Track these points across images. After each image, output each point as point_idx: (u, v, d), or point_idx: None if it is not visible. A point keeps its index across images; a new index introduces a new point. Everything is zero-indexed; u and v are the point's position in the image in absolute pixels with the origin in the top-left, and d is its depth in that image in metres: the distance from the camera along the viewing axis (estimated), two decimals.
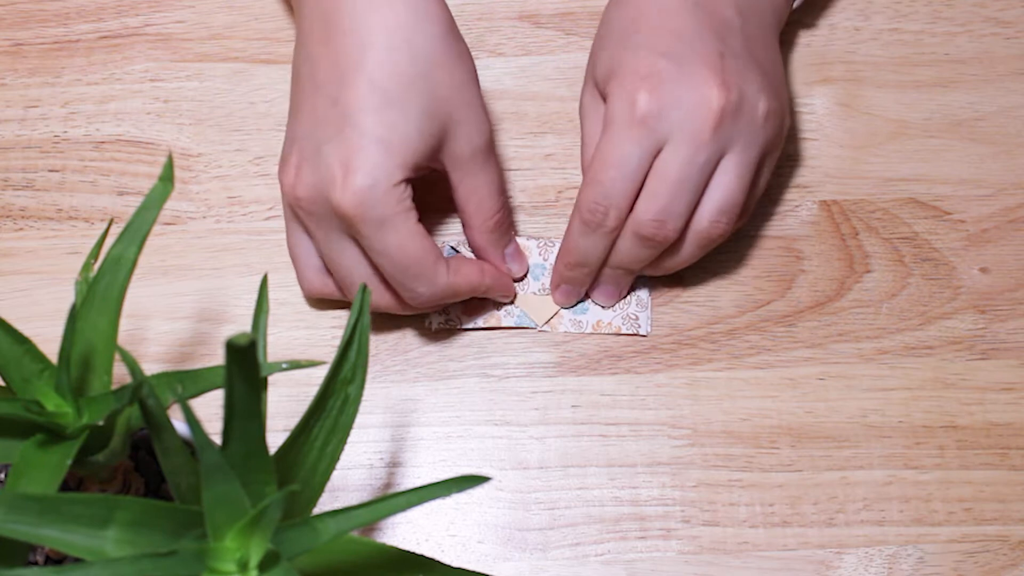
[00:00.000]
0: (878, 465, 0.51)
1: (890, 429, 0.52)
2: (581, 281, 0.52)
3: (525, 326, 0.53)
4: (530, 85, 0.58)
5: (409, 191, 0.46)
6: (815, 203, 0.56)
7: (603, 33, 0.52)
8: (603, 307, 0.53)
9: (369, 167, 0.45)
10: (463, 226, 0.52)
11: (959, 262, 0.55)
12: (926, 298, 0.54)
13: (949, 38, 0.59)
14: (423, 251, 0.47)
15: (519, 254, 0.53)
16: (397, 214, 0.46)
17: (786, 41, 0.59)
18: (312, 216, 0.47)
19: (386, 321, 0.53)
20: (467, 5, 0.60)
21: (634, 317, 0.53)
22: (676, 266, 0.51)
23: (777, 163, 0.56)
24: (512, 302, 0.53)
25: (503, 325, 0.53)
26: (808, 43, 0.59)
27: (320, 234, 0.48)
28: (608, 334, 0.53)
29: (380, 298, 0.50)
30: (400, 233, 0.46)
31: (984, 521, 0.50)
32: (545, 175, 0.56)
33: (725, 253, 0.55)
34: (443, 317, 0.53)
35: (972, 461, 0.51)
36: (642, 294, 0.53)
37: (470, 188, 0.49)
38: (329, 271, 0.50)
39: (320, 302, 0.54)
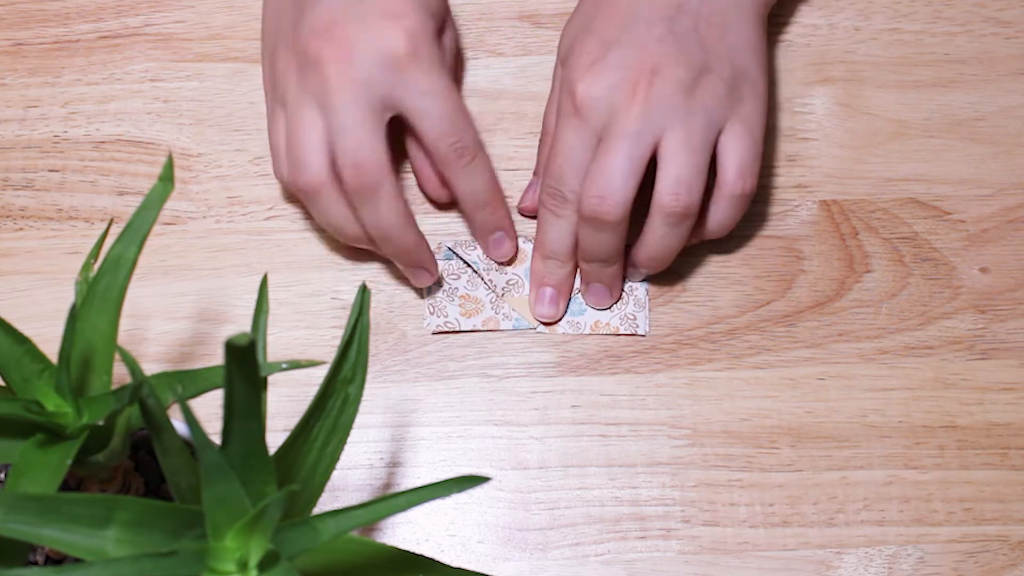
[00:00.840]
0: (878, 465, 0.51)
1: (890, 429, 0.52)
2: (557, 278, 0.53)
3: (523, 328, 0.53)
4: (530, 85, 0.58)
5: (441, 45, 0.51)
6: (815, 203, 0.56)
7: (572, 16, 0.54)
8: (598, 309, 0.53)
9: (412, 12, 0.49)
10: (428, 152, 0.52)
11: (959, 262, 0.55)
12: (926, 298, 0.54)
13: (949, 38, 0.59)
14: (462, 102, 0.51)
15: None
16: (440, 61, 0.50)
17: (786, 41, 0.59)
18: (353, 68, 0.48)
19: (386, 321, 0.53)
20: (467, 5, 0.60)
21: (632, 317, 0.53)
22: (658, 254, 0.51)
23: (776, 162, 0.56)
24: (501, 296, 0.53)
25: (501, 327, 0.53)
26: (808, 43, 0.59)
27: (352, 84, 0.48)
28: (606, 335, 0.53)
29: (385, 156, 0.49)
30: (447, 78, 0.50)
31: (984, 521, 0.50)
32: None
33: (725, 253, 0.55)
34: (441, 320, 0.53)
35: (972, 461, 0.51)
36: (639, 294, 0.54)
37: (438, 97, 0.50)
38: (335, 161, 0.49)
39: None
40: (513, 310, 0.53)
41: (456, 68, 0.55)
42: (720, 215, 0.51)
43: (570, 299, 0.54)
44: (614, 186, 0.48)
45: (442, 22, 0.52)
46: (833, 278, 0.54)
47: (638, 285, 0.54)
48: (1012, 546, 0.50)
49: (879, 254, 0.55)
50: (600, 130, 0.49)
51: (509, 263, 0.54)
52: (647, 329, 0.53)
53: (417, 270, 0.52)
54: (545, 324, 0.53)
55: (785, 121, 0.58)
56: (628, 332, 0.53)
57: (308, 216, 0.55)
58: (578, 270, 0.54)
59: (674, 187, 0.48)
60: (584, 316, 0.53)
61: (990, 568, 0.49)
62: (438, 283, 0.54)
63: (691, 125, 0.49)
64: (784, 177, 0.56)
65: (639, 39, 0.50)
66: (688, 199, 0.49)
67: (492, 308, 0.53)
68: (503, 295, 0.54)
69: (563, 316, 0.53)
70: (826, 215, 0.56)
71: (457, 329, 0.53)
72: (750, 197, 0.51)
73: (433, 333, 0.53)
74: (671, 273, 0.54)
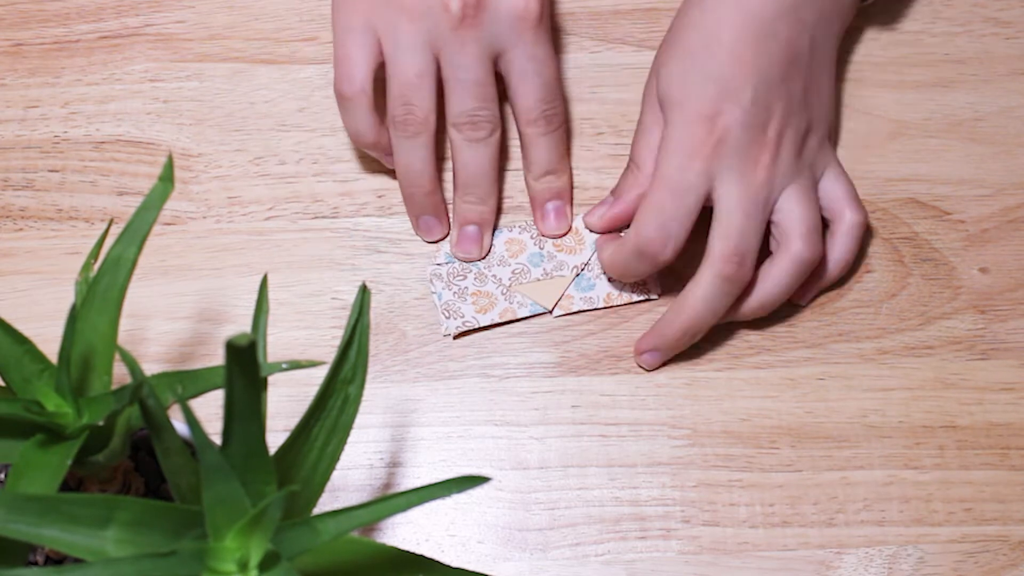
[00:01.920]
0: (878, 465, 0.51)
1: (890, 429, 0.52)
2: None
3: (539, 313, 0.53)
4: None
5: None
6: None
7: (673, 43, 0.53)
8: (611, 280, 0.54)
9: None
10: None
11: (959, 262, 0.55)
12: (926, 298, 0.54)
13: (949, 38, 0.59)
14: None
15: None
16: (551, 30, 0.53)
17: None
18: (479, 38, 0.51)
19: (386, 321, 0.53)
20: None
21: (642, 283, 0.53)
22: (773, 302, 0.52)
23: None
24: (510, 288, 0.54)
25: (519, 316, 0.53)
26: None
27: (476, 51, 0.51)
28: (621, 305, 0.53)
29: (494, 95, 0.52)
30: (554, 47, 0.53)
31: (984, 521, 0.50)
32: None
33: None
34: (458, 321, 0.53)
35: (972, 461, 0.51)
36: None
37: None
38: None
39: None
40: (526, 297, 0.53)
41: None
42: (841, 249, 0.53)
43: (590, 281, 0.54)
44: (752, 245, 0.50)
45: None
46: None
47: None
48: (1012, 546, 0.50)
49: (879, 254, 0.55)
50: (718, 181, 0.50)
51: (512, 255, 0.54)
52: (659, 292, 0.54)
53: (429, 219, 0.54)
54: (559, 304, 0.53)
55: None
56: (641, 298, 0.53)
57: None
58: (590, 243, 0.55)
59: (803, 238, 0.50)
60: (595, 291, 0.54)
61: (990, 568, 0.49)
62: (447, 287, 0.54)
63: (802, 182, 0.51)
64: None
65: (765, 98, 0.50)
66: (815, 248, 0.51)
67: (505, 299, 0.53)
68: (511, 286, 0.54)
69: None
70: None
71: (476, 326, 0.53)
72: (865, 225, 0.53)
73: (455, 337, 0.53)
74: (671, 273, 0.54)
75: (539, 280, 0.54)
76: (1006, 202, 0.56)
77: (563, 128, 0.54)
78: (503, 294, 0.53)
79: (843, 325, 0.53)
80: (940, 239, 0.55)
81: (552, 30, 0.55)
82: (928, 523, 0.50)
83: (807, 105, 0.52)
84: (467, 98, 0.52)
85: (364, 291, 0.36)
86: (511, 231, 0.55)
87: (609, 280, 0.54)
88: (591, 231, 0.55)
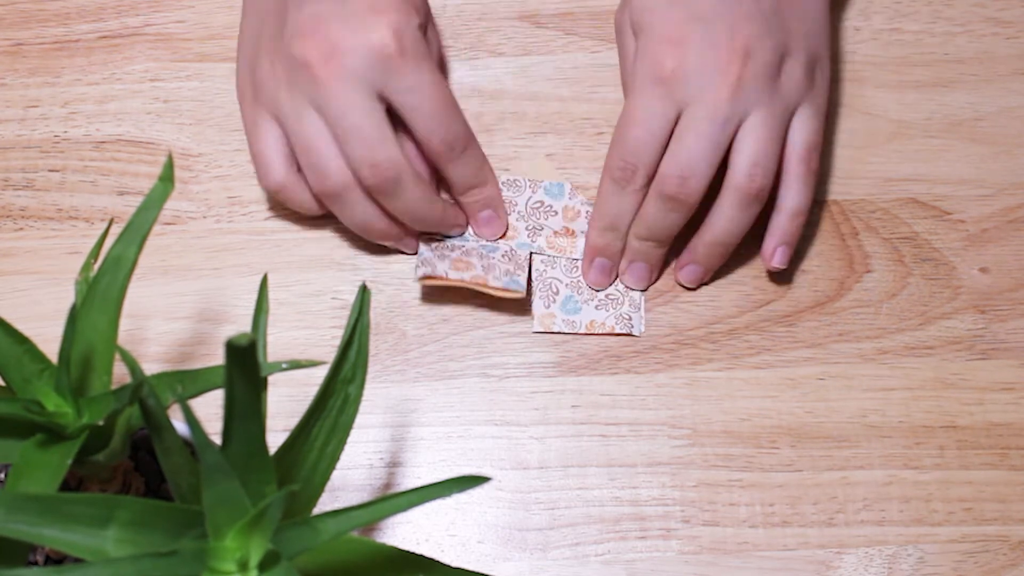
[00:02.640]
0: (878, 465, 0.51)
1: (890, 429, 0.52)
2: (612, 250, 0.53)
3: (512, 290, 0.51)
4: (530, 85, 0.58)
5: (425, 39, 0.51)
6: (815, 203, 0.56)
7: None
8: (599, 294, 0.54)
9: (396, 7, 0.49)
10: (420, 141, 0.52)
11: (959, 262, 0.55)
12: (926, 298, 0.54)
13: (949, 38, 0.59)
14: (451, 94, 0.51)
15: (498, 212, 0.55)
16: (429, 54, 0.50)
17: None
18: (343, 69, 0.48)
19: (386, 321, 0.53)
20: (467, 5, 0.60)
21: (627, 317, 0.53)
22: (724, 237, 0.51)
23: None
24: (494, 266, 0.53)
25: (490, 286, 0.51)
26: None
27: (347, 86, 0.48)
28: (602, 334, 0.53)
29: (396, 151, 0.50)
30: (435, 71, 0.50)
31: (984, 521, 0.50)
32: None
33: None
34: (428, 268, 0.52)
35: (972, 461, 0.51)
36: (635, 295, 0.54)
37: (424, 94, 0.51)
38: (298, 162, 0.51)
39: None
40: (505, 274, 0.52)
41: (440, 65, 0.55)
42: (791, 193, 0.52)
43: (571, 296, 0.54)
44: (699, 169, 0.49)
45: (426, 17, 0.53)
46: (833, 278, 0.54)
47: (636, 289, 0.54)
48: (1012, 546, 0.50)
49: (879, 254, 0.55)
50: (683, 104, 0.50)
51: (505, 240, 0.54)
52: (642, 330, 0.53)
53: (453, 228, 0.54)
54: (538, 329, 0.53)
55: None
56: (623, 332, 0.53)
57: (308, 217, 0.55)
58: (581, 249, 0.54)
59: (750, 169, 0.50)
60: (579, 315, 0.53)
61: (990, 568, 0.49)
62: (432, 249, 0.53)
63: (773, 110, 0.50)
64: None
65: (730, 16, 0.50)
66: (763, 181, 0.50)
67: (484, 271, 0.52)
68: (493, 261, 0.53)
69: (611, 284, 0.54)
70: (826, 215, 0.56)
71: (444, 278, 0.52)
72: (817, 174, 0.52)
73: (419, 279, 0.51)
74: (671, 273, 0.54)
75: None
76: (1006, 202, 0.56)
77: (469, 148, 0.52)
78: (483, 267, 0.53)
79: (843, 325, 0.53)
80: (940, 239, 0.55)
81: (439, 47, 0.54)
82: (928, 523, 0.50)
83: (783, 26, 0.51)
84: (357, 147, 0.49)
85: (364, 291, 0.36)
86: (508, 214, 0.55)
87: (595, 307, 0.53)
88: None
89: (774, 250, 0.52)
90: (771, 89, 0.50)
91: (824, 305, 0.54)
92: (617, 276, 0.54)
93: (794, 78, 0.51)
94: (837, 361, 0.53)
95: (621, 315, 0.53)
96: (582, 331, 0.53)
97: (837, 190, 0.56)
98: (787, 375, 0.53)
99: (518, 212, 0.55)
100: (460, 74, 0.58)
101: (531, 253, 0.54)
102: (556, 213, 0.55)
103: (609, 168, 0.51)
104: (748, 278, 0.54)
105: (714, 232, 0.51)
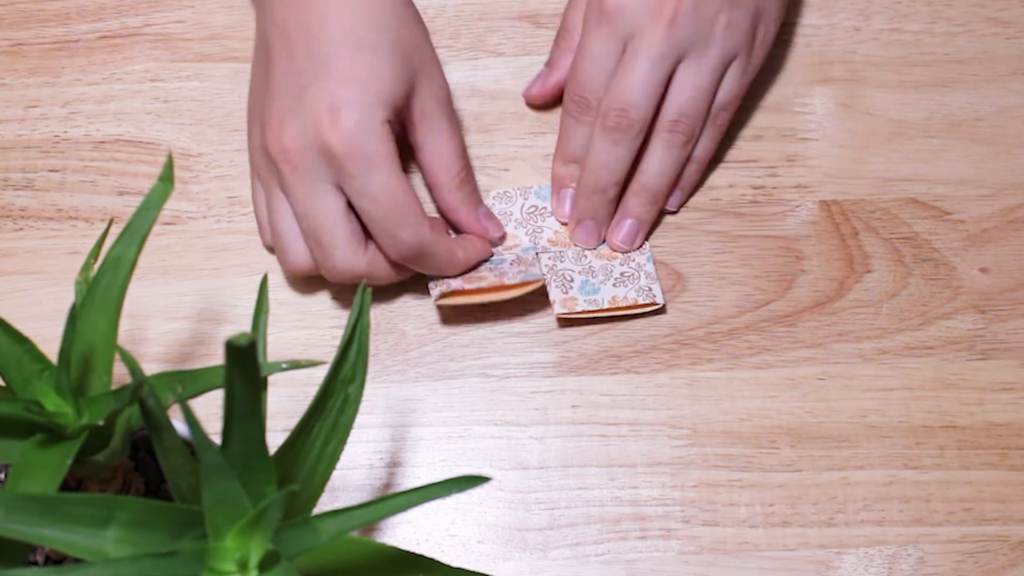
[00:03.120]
0: (878, 465, 0.51)
1: (890, 429, 0.52)
2: (575, 179, 0.54)
3: (531, 281, 0.52)
4: None
5: (391, 134, 0.48)
6: (815, 203, 0.56)
7: None
8: (587, 248, 0.54)
9: (354, 104, 0.47)
10: (430, 190, 0.53)
11: (959, 262, 0.55)
12: (926, 298, 0.54)
13: (949, 38, 0.59)
14: (410, 196, 0.48)
15: (492, 215, 0.54)
16: (385, 155, 0.47)
17: (786, 41, 0.59)
18: (298, 169, 0.48)
19: (386, 321, 0.53)
20: (467, 5, 0.60)
21: (647, 289, 0.53)
22: (652, 180, 0.53)
23: (776, 162, 0.57)
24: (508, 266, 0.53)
25: (508, 284, 0.51)
26: (808, 43, 0.59)
27: (304, 189, 0.48)
28: (625, 308, 0.53)
29: (354, 257, 0.49)
30: (387, 173, 0.47)
31: (984, 521, 0.50)
32: (545, 175, 0.56)
33: (725, 253, 0.55)
34: (443, 285, 0.52)
35: (972, 461, 0.51)
36: (649, 268, 0.54)
37: (435, 144, 0.51)
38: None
39: (313, 285, 0.54)
40: (517, 270, 0.52)
41: (447, 106, 0.52)
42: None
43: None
44: (637, 101, 0.51)
45: (403, 96, 0.49)
46: (833, 278, 0.54)
47: (644, 260, 0.54)
48: (1012, 546, 0.50)
49: (879, 254, 0.55)
50: (626, 39, 0.51)
51: (507, 249, 0.54)
52: (663, 299, 0.53)
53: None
54: (564, 304, 0.52)
55: (785, 121, 0.58)
56: (646, 302, 0.53)
57: None
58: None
59: (678, 112, 0.52)
60: (600, 294, 0.53)
61: (990, 568, 0.49)
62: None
63: (709, 54, 0.52)
64: (784, 177, 0.56)
65: None
66: (690, 125, 0.52)
67: (497, 276, 0.52)
68: (502, 264, 0.53)
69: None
70: (826, 215, 0.56)
71: (462, 291, 0.51)
72: (723, 130, 0.55)
73: (437, 300, 0.51)
74: (671, 273, 0.54)
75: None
76: (1006, 202, 0.56)
77: (424, 251, 0.49)
78: (496, 274, 0.52)
79: (843, 325, 0.53)
80: (940, 239, 0.55)
81: (440, 100, 0.52)
82: (928, 523, 0.50)
83: None
84: (315, 248, 0.49)
85: (364, 291, 0.36)
86: (506, 226, 0.55)
87: (613, 285, 0.53)
88: (530, 104, 0.57)
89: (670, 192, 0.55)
90: (708, 34, 0.51)
91: (824, 305, 0.54)
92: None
93: (736, 28, 0.52)
94: (837, 361, 0.53)
95: (641, 287, 0.53)
96: (605, 307, 0.53)
97: (837, 190, 0.56)
98: (787, 375, 0.53)
99: (515, 221, 0.55)
100: (460, 74, 0.58)
101: (537, 252, 0.54)
102: (551, 213, 0.55)
103: (565, 103, 0.53)
104: (748, 278, 0.54)
105: (643, 177, 0.53)
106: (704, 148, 0.54)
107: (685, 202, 0.55)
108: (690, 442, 0.51)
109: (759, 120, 0.58)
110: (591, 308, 0.52)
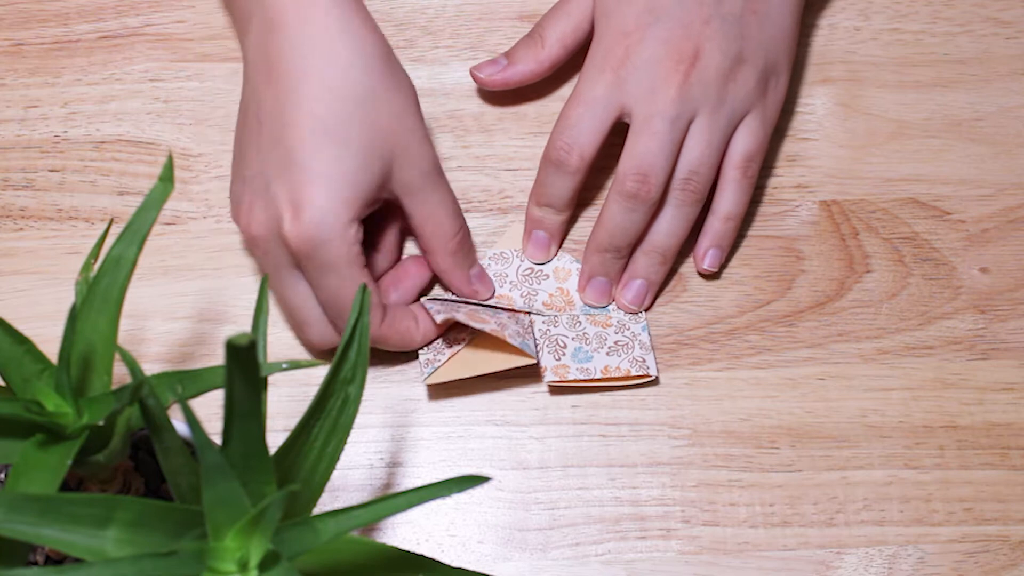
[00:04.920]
0: (878, 465, 0.51)
1: (890, 429, 0.52)
2: (547, 224, 0.53)
3: (527, 353, 0.50)
4: (530, 85, 0.58)
5: (358, 232, 0.47)
6: (815, 203, 0.56)
7: None
8: (599, 307, 0.53)
9: (317, 203, 0.46)
10: (424, 252, 0.52)
11: (959, 262, 0.55)
12: (926, 298, 0.54)
13: (949, 38, 0.59)
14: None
15: (484, 276, 0.53)
16: (340, 258, 0.46)
17: None
18: (267, 255, 0.48)
19: None
20: (467, 5, 0.60)
21: (641, 360, 0.52)
22: (664, 240, 0.52)
23: (776, 162, 0.57)
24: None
25: (505, 336, 0.50)
26: (808, 43, 0.59)
27: (274, 274, 0.48)
28: (617, 378, 0.51)
29: (327, 332, 0.50)
30: (341, 276, 0.47)
31: (984, 521, 0.50)
32: None
33: None
34: (433, 357, 0.51)
35: (972, 461, 0.51)
36: (643, 337, 0.52)
37: (425, 213, 0.50)
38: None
39: None
40: (516, 333, 0.51)
41: (432, 175, 0.50)
42: (724, 197, 0.53)
43: (560, 248, 0.54)
44: (656, 166, 0.50)
45: (375, 187, 0.48)
46: (833, 278, 0.54)
47: (639, 329, 0.53)
48: (1012, 546, 0.50)
49: (879, 254, 0.55)
50: (627, 96, 0.51)
51: (505, 310, 0.53)
52: (656, 371, 0.52)
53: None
54: (553, 380, 0.51)
55: (785, 121, 0.58)
56: (639, 374, 0.51)
57: None
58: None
59: (689, 170, 0.51)
60: (592, 363, 0.52)
61: (990, 568, 0.49)
62: (440, 299, 0.52)
63: (718, 115, 0.51)
64: (784, 177, 0.56)
65: (687, 16, 0.51)
66: (701, 183, 0.51)
67: (498, 326, 0.51)
68: (505, 321, 0.52)
69: (552, 259, 0.54)
70: (826, 215, 0.56)
71: (449, 360, 0.51)
72: (754, 182, 0.53)
73: (425, 381, 0.51)
74: (671, 273, 0.54)
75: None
76: (1006, 202, 0.56)
77: (373, 336, 0.49)
78: (497, 323, 0.51)
79: (843, 325, 0.53)
80: (940, 239, 0.55)
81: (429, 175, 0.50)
82: (928, 523, 0.50)
83: (744, 32, 0.52)
84: (292, 326, 0.50)
85: (364, 291, 0.36)
86: (501, 287, 0.54)
87: (607, 354, 0.52)
88: (477, 80, 0.56)
89: (706, 252, 0.53)
90: (719, 94, 0.51)
91: (824, 305, 0.54)
92: (556, 252, 0.54)
93: (745, 85, 0.52)
94: (837, 361, 0.53)
95: (634, 358, 0.52)
96: (598, 377, 0.51)
97: (837, 190, 0.56)
98: (787, 375, 0.53)
99: (510, 282, 0.54)
100: (460, 74, 0.58)
101: (531, 315, 0.53)
102: (548, 276, 0.54)
103: (549, 149, 0.52)
104: (748, 278, 0.54)
105: (654, 237, 0.52)
106: (738, 204, 0.53)
107: (724, 263, 0.54)
108: (690, 442, 0.51)
109: None
110: (583, 377, 0.51)
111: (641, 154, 0.50)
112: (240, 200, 0.49)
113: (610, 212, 0.51)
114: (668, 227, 0.52)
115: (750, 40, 0.52)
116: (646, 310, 0.53)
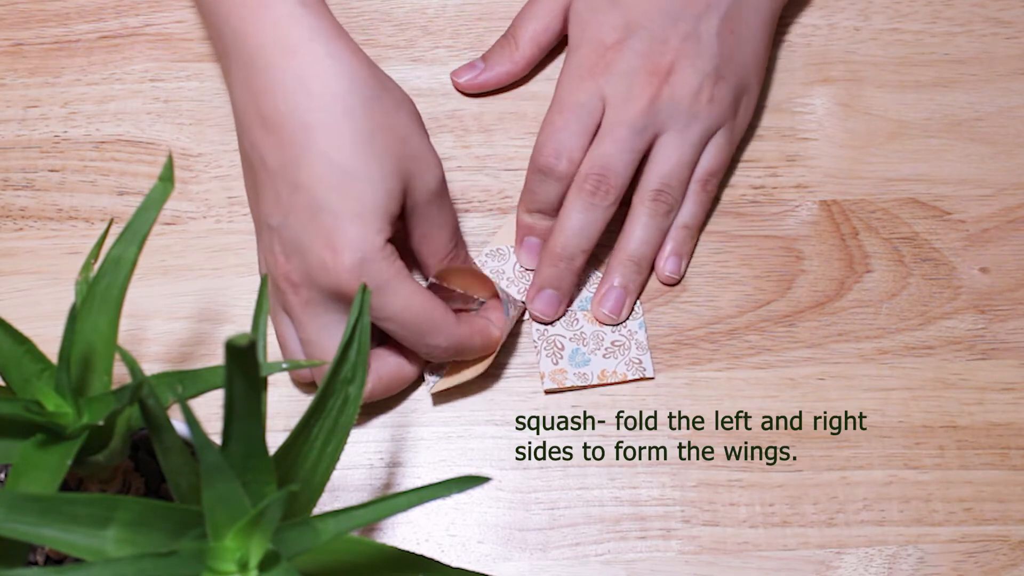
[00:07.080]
0: (878, 465, 0.51)
1: (890, 429, 0.52)
2: (539, 229, 0.53)
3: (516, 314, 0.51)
4: (530, 85, 0.58)
5: (394, 251, 0.47)
6: (815, 203, 0.56)
7: None
8: (545, 321, 0.53)
9: (355, 243, 0.45)
10: (420, 267, 0.52)
11: (959, 262, 0.55)
12: (926, 298, 0.54)
13: (949, 38, 0.59)
14: (429, 304, 0.47)
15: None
16: (391, 278, 0.46)
17: (786, 41, 0.59)
18: (309, 304, 0.47)
19: None
20: (467, 5, 0.60)
21: (637, 361, 0.52)
22: (637, 248, 0.53)
23: (776, 162, 0.57)
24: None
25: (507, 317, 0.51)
26: (808, 43, 0.59)
27: (314, 323, 0.47)
28: (615, 383, 0.52)
29: (395, 368, 0.50)
30: (400, 294, 0.47)
31: (984, 521, 0.50)
32: None
33: (725, 253, 0.55)
34: (436, 374, 0.52)
35: (972, 461, 0.51)
36: (640, 337, 0.53)
37: (425, 231, 0.50)
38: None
39: None
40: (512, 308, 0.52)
41: (438, 197, 0.50)
42: (686, 207, 0.54)
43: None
44: (617, 168, 0.52)
45: (398, 207, 0.48)
46: (833, 278, 0.54)
47: (637, 328, 0.53)
48: (1012, 546, 0.50)
49: (879, 254, 0.55)
50: (605, 100, 0.52)
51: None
52: (653, 372, 0.52)
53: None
54: (551, 387, 0.52)
55: (785, 121, 0.58)
56: (636, 377, 0.52)
57: None
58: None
59: (661, 181, 0.52)
60: (589, 367, 0.52)
61: (990, 568, 0.49)
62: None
63: (690, 130, 0.53)
64: (784, 177, 0.56)
65: (664, 31, 0.52)
66: (672, 195, 0.53)
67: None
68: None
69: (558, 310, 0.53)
70: (826, 215, 0.56)
71: (450, 371, 0.51)
72: (712, 196, 0.55)
73: (432, 391, 0.51)
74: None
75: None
76: (1006, 202, 0.56)
77: (459, 342, 0.49)
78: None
79: (843, 325, 0.53)
80: (940, 239, 0.55)
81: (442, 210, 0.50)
82: (928, 523, 0.50)
83: (721, 51, 0.53)
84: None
85: (364, 291, 0.36)
86: (498, 284, 0.53)
87: (603, 356, 0.52)
88: (456, 86, 0.57)
89: (666, 258, 0.54)
90: (690, 109, 0.52)
91: (824, 305, 0.54)
92: (568, 303, 0.53)
93: (721, 103, 0.53)
94: (837, 361, 0.53)
95: (631, 360, 0.52)
96: (595, 382, 0.52)
97: (837, 190, 0.56)
98: (787, 375, 0.53)
99: (507, 279, 0.54)
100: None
101: (525, 308, 0.53)
102: None
103: (535, 154, 0.53)
104: (748, 278, 0.54)
105: (628, 245, 0.53)
106: (695, 215, 0.54)
107: (685, 271, 0.54)
108: (690, 442, 0.51)
109: (759, 120, 0.58)
110: (580, 383, 0.52)
111: (601, 155, 0.51)
112: (272, 249, 0.48)
113: (567, 214, 0.52)
114: (642, 235, 0.53)
115: (726, 58, 0.53)
116: (620, 323, 0.53)
